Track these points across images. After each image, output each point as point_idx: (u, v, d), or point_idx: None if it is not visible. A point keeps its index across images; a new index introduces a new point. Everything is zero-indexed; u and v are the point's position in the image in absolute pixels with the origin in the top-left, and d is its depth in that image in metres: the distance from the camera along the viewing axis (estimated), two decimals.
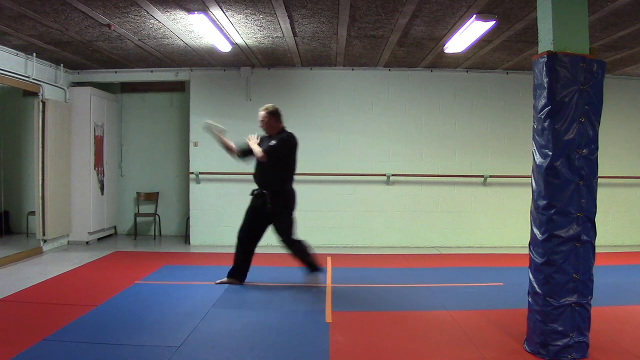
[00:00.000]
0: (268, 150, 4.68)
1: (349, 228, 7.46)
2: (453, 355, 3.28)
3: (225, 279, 4.96)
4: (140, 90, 8.32)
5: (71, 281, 5.15)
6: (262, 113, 4.84)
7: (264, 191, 4.80)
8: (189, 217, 7.59)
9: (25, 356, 3.09)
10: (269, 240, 7.40)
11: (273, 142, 4.73)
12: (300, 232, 7.49)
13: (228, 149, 4.93)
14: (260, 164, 4.80)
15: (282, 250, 7.07)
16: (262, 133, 4.94)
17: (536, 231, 3.21)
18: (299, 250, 4.92)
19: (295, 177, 7.38)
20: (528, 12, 4.65)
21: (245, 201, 7.44)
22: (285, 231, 4.86)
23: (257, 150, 4.70)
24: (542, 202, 3.15)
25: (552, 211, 3.11)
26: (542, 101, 3.14)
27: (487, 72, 7.46)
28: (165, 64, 7.20)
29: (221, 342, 3.48)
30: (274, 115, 4.84)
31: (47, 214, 6.60)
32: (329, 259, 6.36)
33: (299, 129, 7.42)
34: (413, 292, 4.85)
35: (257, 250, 6.95)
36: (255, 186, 4.91)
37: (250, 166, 7.41)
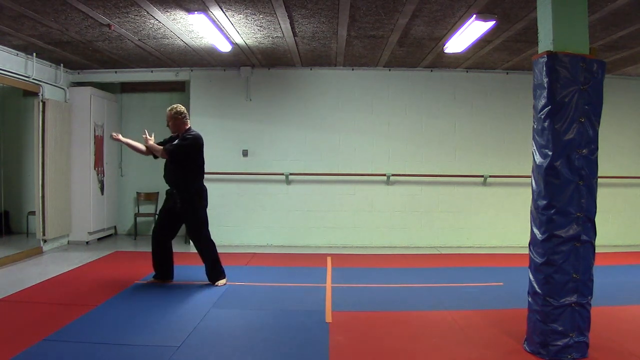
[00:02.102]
0: (169, 149, 4.76)
1: (349, 228, 7.46)
2: (453, 355, 3.28)
3: (152, 280, 4.98)
4: (140, 90, 8.32)
5: (71, 281, 5.15)
6: (167, 113, 4.90)
7: (174, 191, 4.87)
8: None
9: (25, 356, 3.09)
10: (269, 240, 7.45)
11: (176, 142, 4.82)
12: (301, 232, 7.55)
13: (139, 151, 5.01)
14: (168, 164, 4.86)
15: (282, 250, 7.08)
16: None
17: (536, 231, 3.21)
18: (209, 251, 4.92)
19: (296, 177, 7.46)
20: (528, 12, 4.65)
21: (245, 201, 7.48)
22: (196, 230, 4.91)
23: (157, 148, 4.80)
24: (542, 202, 3.15)
25: (552, 211, 3.11)
26: (542, 101, 3.14)
27: (487, 72, 7.46)
28: (165, 64, 7.20)
29: (221, 342, 3.48)
30: (177, 116, 4.89)
31: (47, 214, 6.60)
32: (329, 259, 6.36)
33: (299, 129, 7.49)
34: (413, 292, 4.85)
35: (258, 250, 7.00)
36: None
37: (249, 166, 7.44)
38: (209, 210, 5.02)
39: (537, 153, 3.20)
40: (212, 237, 4.97)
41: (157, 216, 4.98)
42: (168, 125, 4.93)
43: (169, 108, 4.92)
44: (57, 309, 4.09)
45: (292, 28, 5.36)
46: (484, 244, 7.48)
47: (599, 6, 4.43)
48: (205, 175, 7.35)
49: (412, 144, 7.49)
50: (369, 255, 6.82)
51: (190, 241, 5.04)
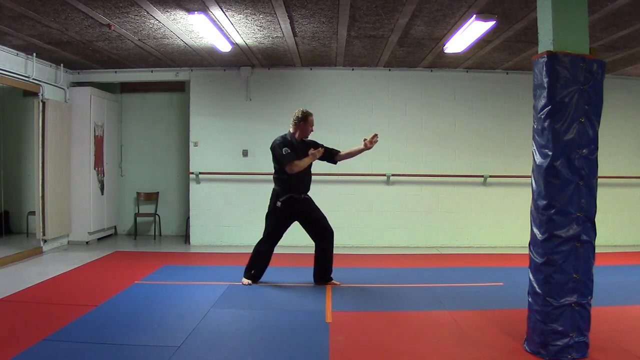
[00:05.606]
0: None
1: (349, 228, 7.46)
2: (453, 355, 3.28)
3: (248, 282, 5.02)
4: (140, 90, 8.32)
5: (71, 281, 5.15)
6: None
7: (307, 195, 5.06)
8: (189, 217, 7.59)
9: (25, 356, 3.09)
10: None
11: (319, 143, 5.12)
12: (301, 232, 7.51)
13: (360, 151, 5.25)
14: (307, 170, 4.99)
15: (282, 250, 7.04)
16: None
17: (536, 231, 3.21)
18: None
19: None
20: (528, 12, 4.65)
21: (245, 201, 7.46)
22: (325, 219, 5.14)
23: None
24: (542, 202, 3.15)
25: (552, 211, 3.11)
26: (542, 101, 3.14)
27: (487, 72, 7.46)
28: (165, 64, 7.20)
29: (221, 342, 3.48)
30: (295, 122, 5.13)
31: (47, 214, 6.60)
32: None
33: None
34: (413, 292, 4.85)
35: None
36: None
37: (249, 166, 7.42)
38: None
39: (537, 153, 3.20)
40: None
41: (271, 225, 5.09)
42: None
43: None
44: (57, 309, 4.09)
45: (292, 28, 5.37)
46: (484, 244, 7.47)
47: (599, 6, 4.43)
48: (206, 175, 7.44)
49: (412, 144, 7.49)
50: (369, 255, 6.82)
51: (317, 238, 5.14)
